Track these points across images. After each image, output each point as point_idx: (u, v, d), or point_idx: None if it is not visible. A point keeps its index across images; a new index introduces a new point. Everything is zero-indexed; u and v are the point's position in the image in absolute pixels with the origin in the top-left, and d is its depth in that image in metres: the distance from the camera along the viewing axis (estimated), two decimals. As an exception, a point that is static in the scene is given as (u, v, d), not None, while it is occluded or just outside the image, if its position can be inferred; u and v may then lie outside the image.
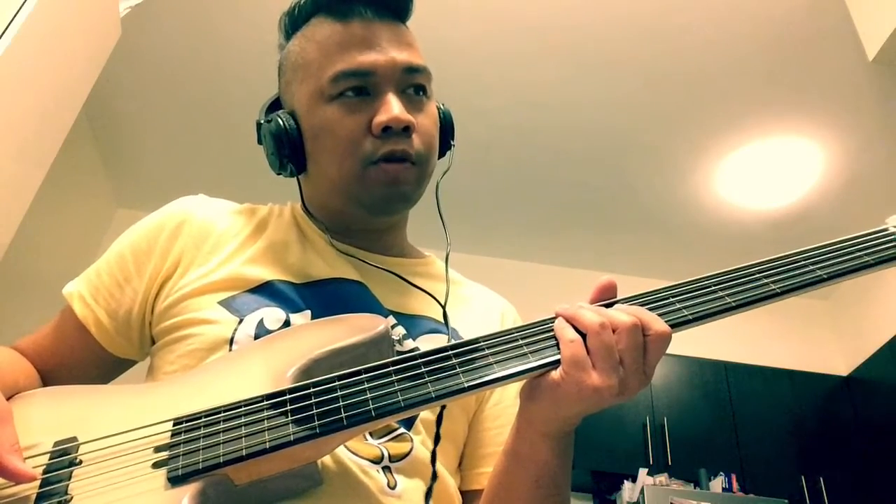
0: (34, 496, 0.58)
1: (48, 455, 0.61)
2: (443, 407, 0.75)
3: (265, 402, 0.61)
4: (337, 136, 0.79)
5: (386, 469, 0.71)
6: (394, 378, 0.61)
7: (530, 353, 0.62)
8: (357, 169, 0.79)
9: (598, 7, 3.08)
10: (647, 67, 3.33)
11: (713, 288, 0.66)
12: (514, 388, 0.66)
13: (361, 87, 0.79)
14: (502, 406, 0.84)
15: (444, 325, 0.80)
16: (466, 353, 0.62)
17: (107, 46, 2.36)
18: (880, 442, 3.82)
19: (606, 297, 0.66)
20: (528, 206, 4.25)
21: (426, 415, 0.76)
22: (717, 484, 3.63)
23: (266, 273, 0.80)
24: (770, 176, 3.88)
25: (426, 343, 0.79)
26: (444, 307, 0.81)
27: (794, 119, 3.54)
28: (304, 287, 0.80)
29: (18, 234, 2.10)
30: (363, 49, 0.80)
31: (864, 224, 0.72)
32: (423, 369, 0.61)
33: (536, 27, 3.19)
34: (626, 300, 0.65)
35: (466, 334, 0.81)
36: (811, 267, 0.67)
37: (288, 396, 0.61)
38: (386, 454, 0.72)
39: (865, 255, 0.68)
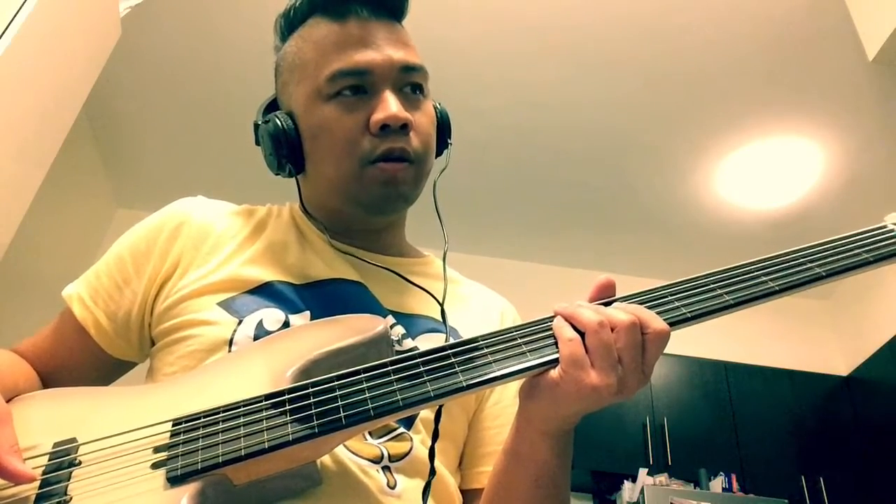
0: (34, 497, 0.58)
1: (48, 456, 0.61)
2: (440, 405, 0.75)
3: (264, 403, 0.61)
4: (335, 136, 0.79)
5: (385, 469, 0.71)
6: (392, 378, 0.61)
7: (529, 351, 0.62)
8: (355, 168, 0.79)
9: (598, 7, 3.08)
10: (647, 67, 3.33)
11: (712, 286, 0.66)
12: (514, 387, 0.66)
13: (358, 86, 0.79)
14: (502, 405, 0.84)
15: (443, 325, 0.80)
16: (465, 352, 0.62)
17: (107, 46, 2.36)
18: (880, 442, 3.83)
19: (605, 296, 0.66)
20: (527, 206, 4.25)
21: (426, 414, 0.76)
22: (717, 484, 3.63)
23: (265, 274, 0.80)
24: (770, 176, 3.88)
25: (425, 342, 0.79)
26: (442, 306, 0.81)
27: (794, 119, 3.54)
28: (303, 288, 0.80)
29: (18, 234, 2.10)
30: (360, 48, 0.80)
31: (864, 224, 0.72)
32: (422, 368, 0.61)
33: (536, 27, 3.19)
34: (625, 299, 0.65)
35: (465, 333, 0.81)
36: (810, 265, 0.67)
37: (287, 396, 0.61)
38: (385, 454, 0.72)
39: (864, 252, 0.68)
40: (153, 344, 0.82)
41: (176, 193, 0.97)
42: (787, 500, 3.57)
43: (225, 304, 0.77)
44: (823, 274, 0.66)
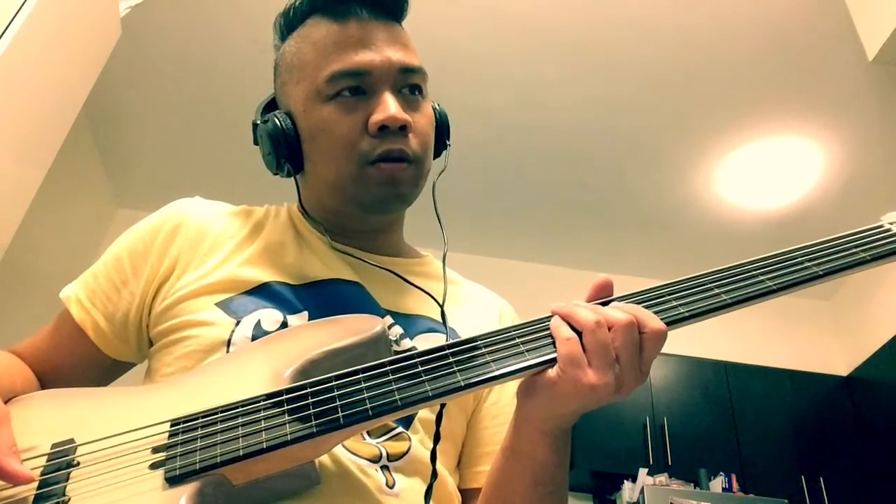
0: (32, 497, 0.58)
1: (46, 457, 0.61)
2: (442, 406, 0.75)
3: (262, 403, 0.61)
4: (334, 136, 0.79)
5: (384, 468, 0.71)
6: (391, 377, 0.61)
7: (527, 351, 0.62)
8: (354, 169, 0.79)
9: (598, 7, 3.08)
10: (647, 67, 3.33)
11: (709, 285, 0.66)
12: (512, 386, 0.66)
13: (357, 87, 0.79)
14: (500, 405, 0.84)
15: (442, 325, 0.80)
16: (463, 351, 0.63)
17: (107, 46, 2.36)
18: (880, 442, 3.83)
19: (603, 296, 0.66)
20: (527, 206, 4.25)
21: (424, 414, 0.76)
22: (717, 484, 3.63)
23: (263, 274, 0.80)
24: (770, 176, 3.88)
25: (424, 342, 0.79)
26: (441, 306, 0.81)
27: (794, 119, 3.54)
28: (301, 288, 0.80)
29: (18, 234, 2.10)
30: (359, 49, 0.80)
31: (864, 224, 0.72)
32: (420, 368, 0.61)
33: (536, 27, 3.19)
34: (623, 298, 0.65)
35: (464, 334, 0.81)
36: (807, 264, 0.67)
37: (285, 396, 0.61)
38: (384, 453, 0.72)
39: (861, 251, 0.68)
40: (151, 345, 0.82)
41: (176, 193, 0.97)
42: (787, 500, 3.57)
43: (223, 305, 0.77)
44: (821, 273, 0.66)
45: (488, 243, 4.51)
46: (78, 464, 0.60)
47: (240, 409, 0.61)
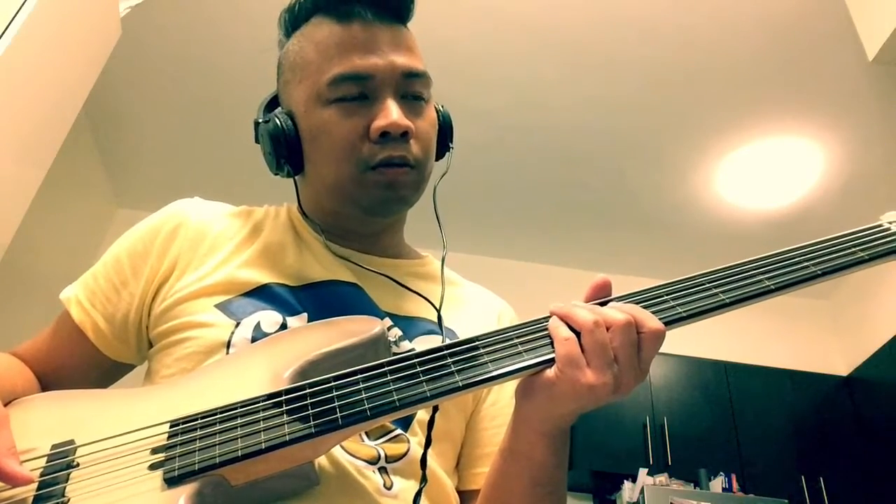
0: (31, 498, 0.58)
1: (45, 458, 0.61)
2: (435, 409, 0.75)
3: (261, 403, 0.61)
4: (334, 140, 0.79)
5: (382, 470, 0.71)
6: (389, 378, 0.61)
7: (525, 351, 0.62)
8: (355, 173, 0.79)
9: (598, 7, 3.08)
10: (647, 67, 3.33)
11: (707, 285, 0.66)
12: (511, 387, 0.66)
13: (360, 91, 0.78)
14: (499, 406, 0.84)
15: (440, 327, 0.80)
16: (461, 352, 0.63)
17: (107, 46, 2.36)
18: (880, 442, 3.83)
19: (601, 296, 0.66)
20: (527, 206, 4.25)
21: (423, 415, 0.76)
22: (717, 484, 3.63)
23: (262, 276, 0.80)
24: (770, 176, 3.88)
25: (423, 344, 0.79)
26: (438, 311, 0.81)
27: (795, 119, 3.54)
28: (300, 290, 0.80)
29: (18, 234, 2.10)
30: (362, 52, 0.79)
31: (864, 224, 0.72)
32: (419, 369, 0.61)
33: (536, 27, 3.19)
34: (621, 298, 0.65)
35: (463, 335, 0.81)
36: (806, 263, 0.67)
37: (284, 397, 0.61)
38: (382, 455, 0.72)
39: (860, 250, 0.68)
40: (151, 346, 0.82)
41: (176, 193, 0.97)
42: (787, 500, 3.57)
43: (222, 307, 0.77)
44: (819, 272, 0.66)
45: (488, 243, 4.51)
46: (77, 465, 0.60)
47: (239, 410, 0.61)
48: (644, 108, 3.54)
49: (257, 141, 0.87)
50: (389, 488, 0.70)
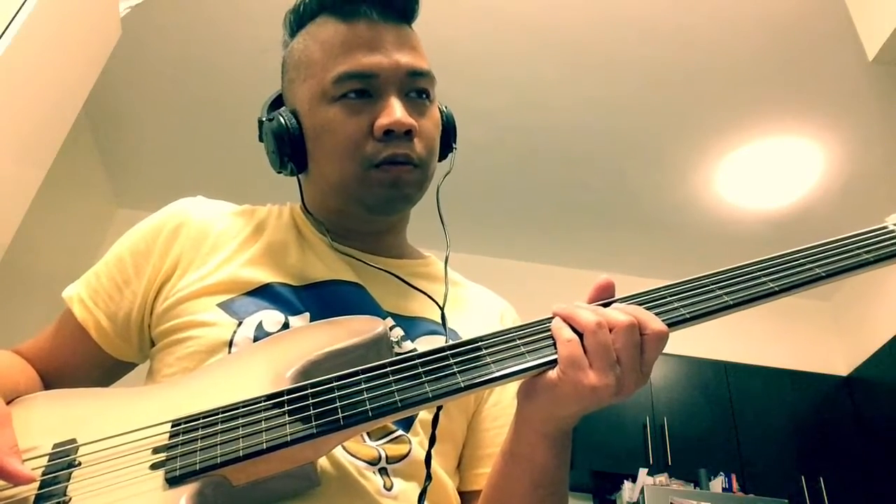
0: (33, 497, 0.58)
1: (47, 457, 0.61)
2: (439, 409, 0.75)
3: (263, 404, 0.61)
4: (338, 138, 0.79)
5: (382, 471, 0.71)
6: (391, 378, 0.61)
7: (527, 352, 0.62)
8: (358, 171, 0.79)
9: (598, 7, 3.08)
10: (647, 67, 3.33)
11: (711, 287, 0.66)
12: (513, 388, 0.66)
13: (364, 90, 0.79)
14: (501, 406, 0.84)
15: (443, 327, 0.80)
16: (464, 353, 0.62)
17: (107, 46, 2.36)
18: (880, 442, 3.83)
19: (604, 297, 0.66)
20: (527, 206, 4.25)
21: (425, 416, 0.76)
22: (717, 484, 3.63)
23: (265, 275, 0.80)
24: (770, 176, 3.88)
25: (425, 345, 0.79)
26: (442, 309, 0.81)
27: (795, 119, 3.54)
28: (302, 289, 0.80)
29: (18, 234, 2.10)
30: (367, 51, 0.79)
31: (865, 224, 0.71)
32: (421, 369, 0.61)
33: (536, 27, 3.19)
34: (624, 299, 0.65)
35: (465, 335, 0.81)
36: (809, 265, 0.67)
37: (286, 397, 0.61)
38: (383, 456, 0.72)
39: (864, 252, 0.68)
40: (153, 345, 0.82)
41: (176, 193, 0.97)
42: (787, 500, 3.57)
43: (224, 306, 0.77)
44: (823, 274, 0.66)
45: (489, 243, 4.51)
46: (79, 464, 0.60)
47: (240, 410, 0.61)
48: (644, 108, 3.54)
49: (261, 139, 0.87)
50: (389, 489, 0.70)
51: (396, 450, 0.73)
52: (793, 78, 3.32)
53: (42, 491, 0.58)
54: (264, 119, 0.85)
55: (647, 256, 4.50)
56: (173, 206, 0.88)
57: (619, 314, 0.60)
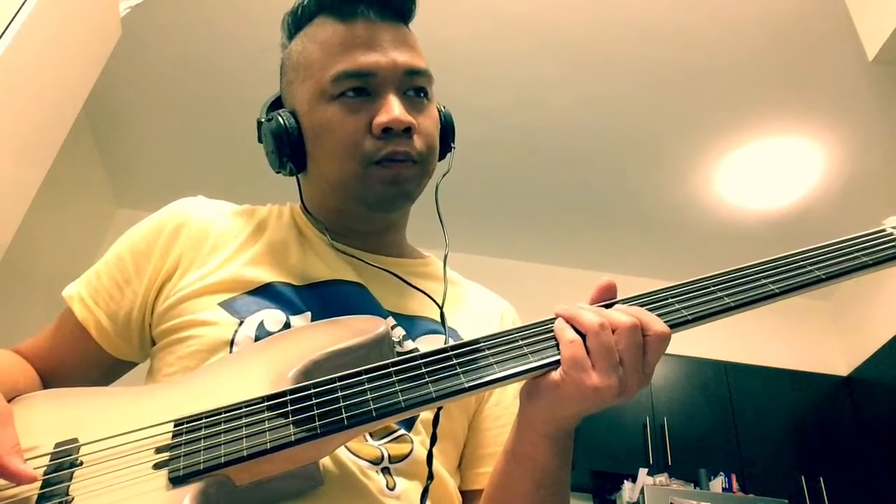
0: (35, 497, 0.58)
1: (49, 456, 0.61)
2: (439, 409, 0.75)
3: (266, 403, 0.61)
4: (337, 136, 0.79)
5: (385, 470, 0.71)
6: (394, 378, 0.61)
7: (530, 353, 0.62)
8: (358, 169, 0.79)
9: (598, 7, 3.08)
10: (647, 67, 3.33)
11: (712, 288, 0.66)
12: (514, 387, 0.67)
13: (362, 88, 0.79)
14: (502, 406, 0.84)
15: (443, 326, 0.80)
16: (467, 353, 0.63)
17: (107, 46, 2.36)
18: (880, 442, 3.83)
19: (606, 298, 0.66)
20: (527, 206, 4.25)
21: (427, 416, 0.76)
22: (717, 484, 3.63)
23: (266, 275, 0.80)
24: (770, 176, 3.88)
25: (426, 344, 0.79)
26: (441, 308, 0.81)
27: (795, 119, 3.54)
28: (303, 289, 0.80)
29: (18, 234, 2.10)
30: (365, 50, 0.80)
31: (865, 224, 0.72)
32: (424, 370, 0.61)
33: (536, 27, 3.19)
34: (626, 301, 0.65)
35: (466, 335, 0.82)
36: (809, 268, 0.67)
37: (289, 397, 0.61)
38: (386, 455, 0.72)
39: (863, 255, 0.68)
40: (154, 344, 0.82)
41: (176, 193, 0.97)
42: (787, 500, 3.57)
43: (226, 305, 0.77)
44: (823, 277, 0.66)
45: (489, 243, 4.51)
46: (81, 463, 0.60)
47: (243, 410, 0.61)
48: (644, 108, 3.54)
49: (260, 140, 0.87)
50: (392, 489, 0.70)
51: (399, 449, 0.73)
52: (793, 78, 3.32)
53: (44, 490, 0.58)
54: (263, 120, 0.86)
55: (646, 256, 4.50)
56: (174, 206, 0.88)
57: (622, 315, 0.61)
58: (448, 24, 3.17)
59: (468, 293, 0.93)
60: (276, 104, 0.89)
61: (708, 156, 3.81)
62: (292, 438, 0.57)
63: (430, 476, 0.72)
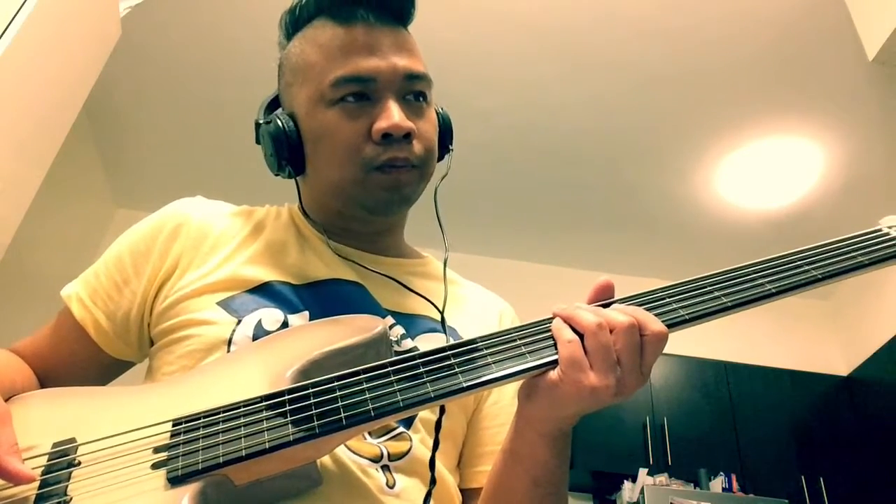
0: (33, 497, 0.58)
1: (47, 456, 0.61)
2: (442, 411, 0.75)
3: (264, 403, 0.61)
4: (336, 142, 0.79)
5: (385, 468, 0.71)
6: (392, 378, 0.61)
7: (528, 353, 0.62)
8: (358, 174, 0.79)
9: (598, 7, 3.08)
10: (647, 67, 3.33)
11: (709, 288, 0.66)
12: (512, 386, 0.67)
13: (362, 93, 0.79)
14: (501, 405, 0.84)
15: (442, 325, 0.80)
16: (465, 353, 0.63)
17: (107, 46, 2.36)
18: (880, 442, 3.83)
19: (604, 298, 0.66)
20: (527, 206, 4.25)
21: (425, 414, 0.76)
22: (717, 484, 3.63)
23: (264, 274, 0.80)
24: (770, 176, 3.88)
25: (425, 343, 0.80)
26: (441, 312, 0.81)
27: (794, 119, 3.54)
28: (302, 288, 0.80)
29: (18, 234, 2.10)
30: (365, 54, 0.79)
31: (865, 224, 0.72)
32: (422, 369, 0.61)
33: (536, 27, 3.19)
34: (624, 300, 0.66)
35: (465, 334, 0.82)
36: (806, 267, 0.67)
37: (287, 397, 0.61)
38: (385, 453, 0.72)
39: (860, 255, 0.68)
40: (152, 344, 0.82)
41: (176, 193, 0.97)
42: (787, 500, 3.57)
43: (224, 304, 0.77)
44: (819, 276, 0.67)
45: (488, 243, 4.51)
46: (79, 463, 0.60)
47: (242, 410, 0.61)
48: (644, 108, 3.54)
49: (258, 141, 0.87)
50: (392, 487, 0.70)
51: (398, 447, 0.73)
52: (793, 78, 3.32)
53: (42, 490, 0.58)
54: (261, 122, 0.86)
55: (646, 256, 4.50)
56: (173, 206, 0.88)
57: (620, 315, 0.61)
58: (448, 24, 3.17)
59: (467, 293, 0.93)
60: (274, 104, 0.88)
61: (708, 156, 3.81)
62: (291, 438, 0.57)
63: (433, 481, 0.72)
